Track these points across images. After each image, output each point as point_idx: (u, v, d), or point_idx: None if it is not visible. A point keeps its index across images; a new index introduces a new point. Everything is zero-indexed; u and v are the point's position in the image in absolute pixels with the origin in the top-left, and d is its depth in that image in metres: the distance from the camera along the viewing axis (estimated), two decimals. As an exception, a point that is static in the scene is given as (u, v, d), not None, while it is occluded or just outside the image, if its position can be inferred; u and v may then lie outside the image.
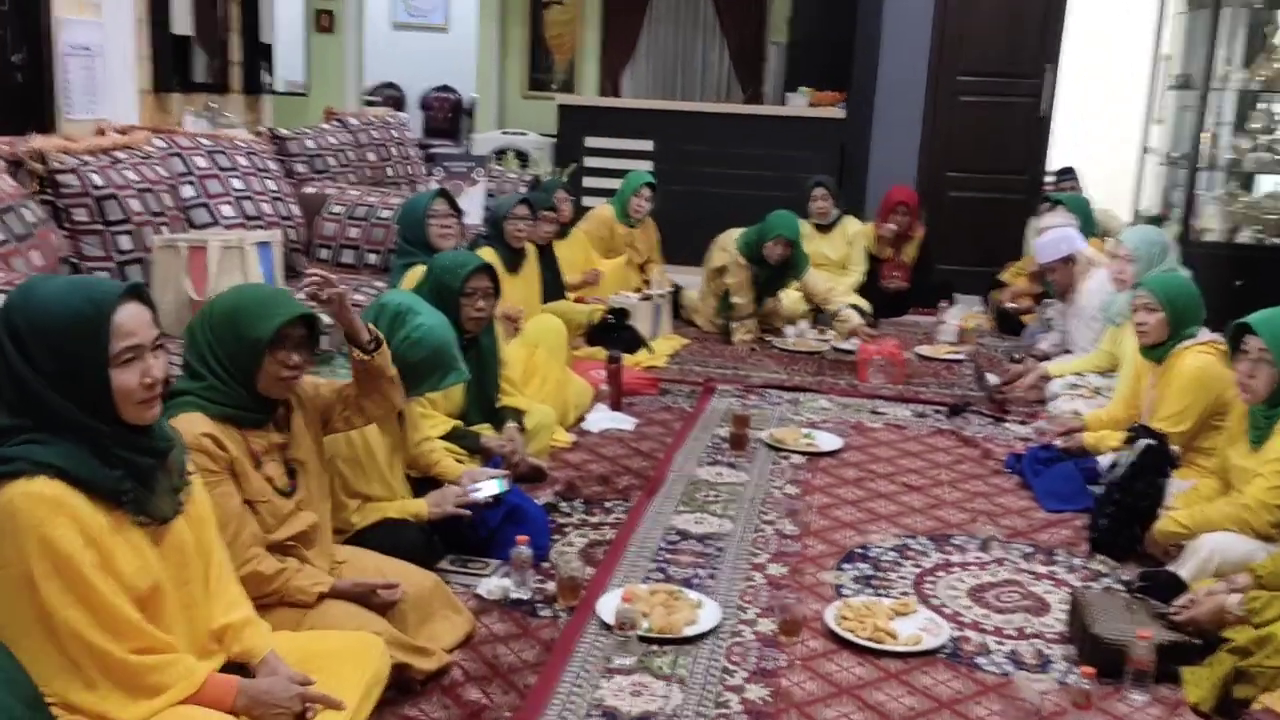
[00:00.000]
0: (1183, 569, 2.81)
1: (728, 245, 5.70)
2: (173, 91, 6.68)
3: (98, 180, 3.33)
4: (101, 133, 3.61)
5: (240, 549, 2.17)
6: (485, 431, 3.45)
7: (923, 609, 2.81)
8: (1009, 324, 6.11)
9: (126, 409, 1.76)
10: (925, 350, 5.65)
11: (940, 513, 3.52)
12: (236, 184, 4.03)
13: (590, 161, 7.70)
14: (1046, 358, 4.88)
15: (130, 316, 1.76)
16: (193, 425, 2.16)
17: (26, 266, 2.78)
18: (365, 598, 2.34)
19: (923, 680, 2.50)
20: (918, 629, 2.69)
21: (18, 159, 3.10)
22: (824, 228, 6.43)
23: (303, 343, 2.30)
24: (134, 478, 1.77)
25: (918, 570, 3.09)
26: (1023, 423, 4.46)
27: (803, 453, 4.00)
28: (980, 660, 2.61)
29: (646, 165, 7.27)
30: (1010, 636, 2.73)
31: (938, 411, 4.63)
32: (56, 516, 1.66)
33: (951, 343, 5.77)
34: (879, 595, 2.89)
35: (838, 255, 6.45)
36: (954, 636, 2.70)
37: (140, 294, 1.81)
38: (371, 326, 2.54)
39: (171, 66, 6.63)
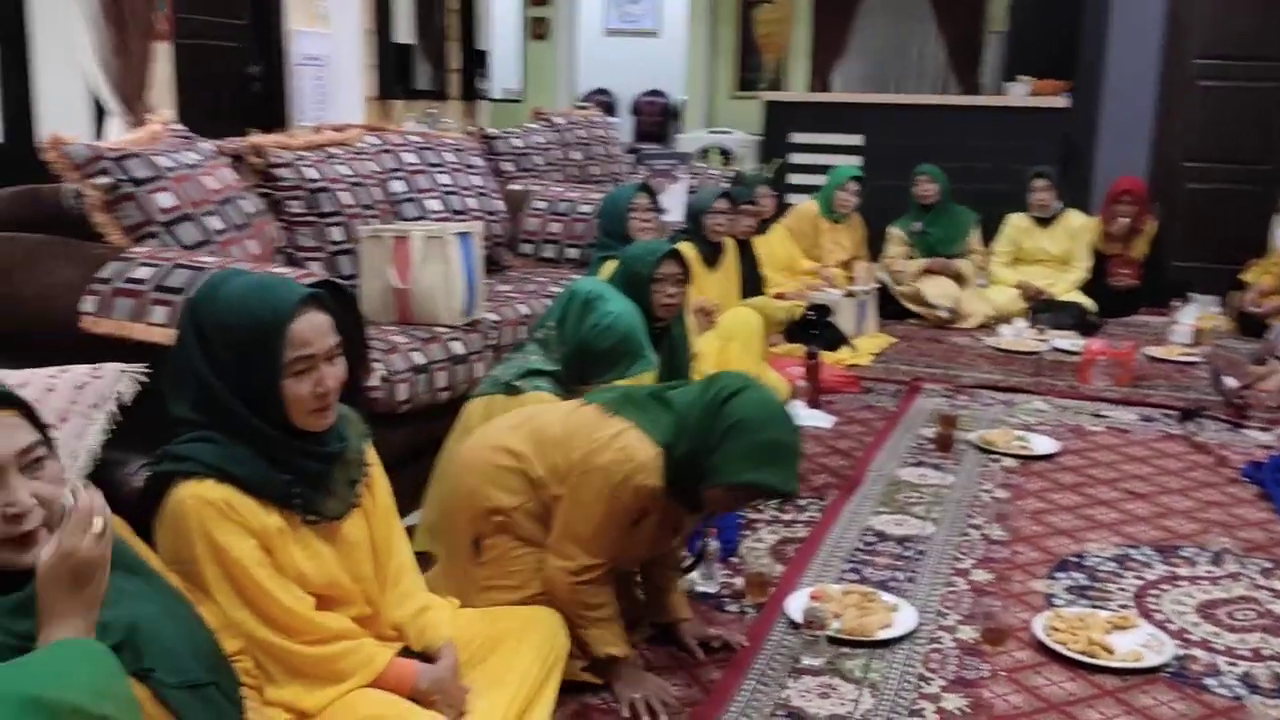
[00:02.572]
0: None
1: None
2: (395, 98, 6.98)
3: (312, 174, 3.47)
4: (318, 131, 3.77)
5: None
6: (678, 424, 3.39)
7: (1144, 624, 2.58)
8: (1252, 326, 5.62)
9: (297, 417, 1.74)
10: (1156, 352, 5.26)
11: (1168, 522, 3.24)
12: (443, 179, 4.12)
13: (796, 158, 7.57)
14: (1294, 359, 4.45)
15: (308, 325, 1.72)
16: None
17: (243, 254, 2.91)
18: None
19: (1142, 700, 2.29)
20: (1138, 645, 2.46)
21: (238, 154, 3.28)
22: (1044, 221, 6.09)
23: None
24: (304, 481, 1.76)
25: (1140, 582, 2.84)
26: (1264, 429, 4.08)
27: (1015, 456, 3.77)
28: (1209, 681, 2.36)
29: (855, 160, 7.08)
30: (1244, 657, 2.47)
31: (1167, 416, 4.29)
32: (224, 521, 1.66)
33: (1185, 344, 5.36)
34: (1095, 607, 2.67)
35: (1059, 250, 6.08)
36: (1179, 655, 2.46)
37: (321, 301, 1.77)
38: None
39: (394, 74, 6.93)
